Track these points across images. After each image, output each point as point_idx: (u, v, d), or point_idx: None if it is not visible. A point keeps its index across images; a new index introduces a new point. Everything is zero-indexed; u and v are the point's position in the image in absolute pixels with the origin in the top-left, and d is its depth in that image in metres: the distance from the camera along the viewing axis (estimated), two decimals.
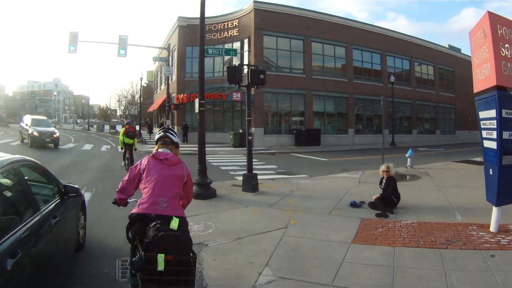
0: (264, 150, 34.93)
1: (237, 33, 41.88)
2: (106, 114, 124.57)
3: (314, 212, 11.25)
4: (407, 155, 21.90)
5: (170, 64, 38.73)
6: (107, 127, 77.90)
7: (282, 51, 40.69)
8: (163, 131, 5.64)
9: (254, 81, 14.05)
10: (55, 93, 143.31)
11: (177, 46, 44.64)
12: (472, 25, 9.69)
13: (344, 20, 45.12)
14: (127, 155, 19.63)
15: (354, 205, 11.89)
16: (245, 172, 14.72)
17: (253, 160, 26.65)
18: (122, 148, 19.90)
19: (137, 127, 53.10)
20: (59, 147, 31.65)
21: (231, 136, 37.70)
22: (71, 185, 6.99)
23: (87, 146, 35.71)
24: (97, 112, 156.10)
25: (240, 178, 15.86)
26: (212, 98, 39.08)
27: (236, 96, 38.10)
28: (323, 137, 40.93)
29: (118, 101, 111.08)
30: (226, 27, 42.99)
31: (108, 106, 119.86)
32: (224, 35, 42.69)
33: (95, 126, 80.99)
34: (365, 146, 39.86)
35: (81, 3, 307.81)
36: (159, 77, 64.39)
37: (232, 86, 38.58)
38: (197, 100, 12.76)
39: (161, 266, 4.29)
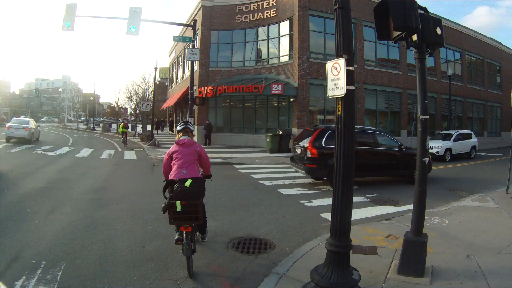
0: None
1: (275, 14, 34.50)
2: (115, 112, 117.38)
3: None
4: None
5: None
6: (115, 126, 69.52)
7: (331, 35, 32.58)
8: (184, 124, 8.00)
9: (429, 36, 7.02)
10: (60, 89, 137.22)
11: (201, 30, 37.12)
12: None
13: None
14: (123, 136, 35.38)
15: None
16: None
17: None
18: (121, 134, 36.33)
19: (149, 127, 46.60)
20: (48, 153, 25.52)
21: (268, 139, 30.20)
22: None
23: (85, 152, 28.11)
24: (108, 110, 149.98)
25: (326, 215, 11.22)
26: (246, 91, 32.02)
27: (277, 88, 30.77)
28: None
29: (129, 97, 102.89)
30: (260, 7, 35.65)
31: (117, 103, 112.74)
32: (259, 16, 35.43)
33: (101, 125, 73.43)
34: None
35: None
36: (174, 71, 57.63)
37: (269, 77, 32.23)
38: (330, 66, 5.71)
39: (179, 208, 6.66)
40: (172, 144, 7.99)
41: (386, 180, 18.52)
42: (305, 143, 16.34)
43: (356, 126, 14.99)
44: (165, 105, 61.11)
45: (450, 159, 28.93)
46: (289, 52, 33.00)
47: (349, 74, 5.83)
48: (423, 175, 7.23)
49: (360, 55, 34.38)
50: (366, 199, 14.21)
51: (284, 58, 33.74)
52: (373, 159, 17.21)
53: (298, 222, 10.61)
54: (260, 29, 35.03)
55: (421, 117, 7.05)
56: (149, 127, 46.80)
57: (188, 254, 6.75)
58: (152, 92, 51.56)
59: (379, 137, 17.89)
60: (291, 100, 32.47)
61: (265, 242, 8.66)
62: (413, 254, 7.00)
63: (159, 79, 74.33)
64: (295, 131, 31.11)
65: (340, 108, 5.94)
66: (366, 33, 34.74)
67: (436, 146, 28.72)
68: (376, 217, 11.53)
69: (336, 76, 5.91)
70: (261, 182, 16.94)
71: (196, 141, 8.15)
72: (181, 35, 40.57)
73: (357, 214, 11.56)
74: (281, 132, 30.51)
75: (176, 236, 7.16)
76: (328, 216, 11.12)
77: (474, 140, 32.45)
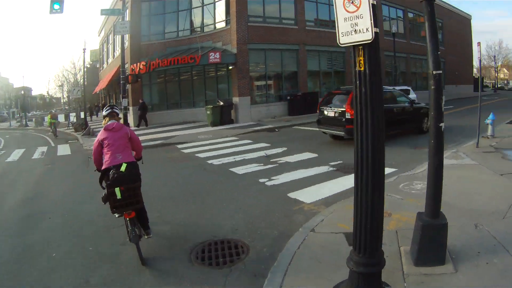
0: (255, 125, 26.94)
1: None
2: (46, 103, 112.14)
3: None
4: (488, 121, 16.12)
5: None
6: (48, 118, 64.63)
7: None
8: (110, 108, 7.49)
9: None
10: None
11: (130, 2, 33.82)
12: None
13: None
14: (53, 127, 34.70)
15: None
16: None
17: (256, 143, 19.37)
18: (50, 125, 35.74)
19: (82, 114, 42.81)
20: None
21: (208, 112, 28.23)
22: None
23: (16, 154, 23.95)
24: (41, 103, 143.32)
25: (295, 195, 9.92)
26: (181, 62, 29.50)
27: (214, 56, 28.33)
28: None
29: (59, 86, 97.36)
30: None
31: (48, 93, 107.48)
32: None
33: (34, 119, 66.92)
34: None
35: None
36: (105, 50, 53.49)
37: (206, 46, 29.99)
38: None
39: (118, 195, 6.39)
40: None
41: (345, 144, 17.36)
42: (342, 106, 16.87)
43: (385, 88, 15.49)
44: (97, 89, 55.94)
45: None
46: (226, 17, 30.60)
47: (374, 9, 4.07)
48: (439, 144, 5.57)
49: (301, 16, 32.76)
50: (331, 168, 12.86)
51: (221, 24, 31.35)
52: (396, 116, 18.13)
53: (266, 208, 8.97)
54: None
55: (434, 72, 5.54)
56: (82, 114, 43.25)
57: (136, 240, 6.56)
58: (83, 77, 48.62)
59: (396, 95, 19.18)
60: (230, 67, 30.29)
61: (235, 245, 6.97)
62: (433, 240, 5.72)
63: (90, 62, 70.55)
64: (236, 100, 29.37)
65: (362, 62, 4.03)
66: None
67: None
68: (351, 190, 10.02)
69: (354, 13, 4.10)
70: (209, 162, 15.21)
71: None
72: (114, 4, 37.63)
73: (329, 187, 10.42)
74: (221, 103, 28.58)
75: (117, 216, 7.11)
76: (297, 195, 9.92)
77: (412, 96, 29.87)
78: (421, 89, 45.93)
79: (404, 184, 9.99)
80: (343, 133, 16.60)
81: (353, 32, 4.05)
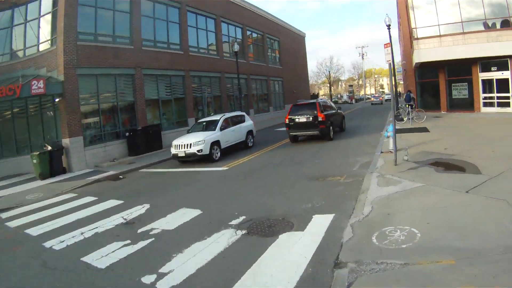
0: (93, 172, 21.88)
1: None
2: None
3: None
4: (388, 133, 16.39)
5: None
6: None
7: (102, 10, 26.04)
8: None
9: None
10: None
11: None
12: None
13: None
14: None
15: None
16: None
17: (103, 201, 14.59)
18: None
19: None
20: None
21: (34, 160, 21.57)
22: None
23: None
24: None
25: None
26: None
27: (38, 86, 21.69)
28: (162, 135, 28.85)
29: None
30: None
31: None
32: None
33: None
34: None
35: None
36: None
37: (28, 74, 23.62)
38: None
39: None
40: None
41: (222, 184, 14.84)
42: (313, 112, 22.71)
43: (324, 99, 29.05)
44: None
45: (220, 156, 21.47)
46: (52, 35, 24.29)
47: None
48: None
49: (137, 34, 28.27)
50: (239, 231, 9.02)
51: (46, 45, 24.64)
52: (336, 119, 25.64)
53: None
54: (17, 9, 25.51)
55: None
56: None
57: None
58: None
59: (332, 104, 27.41)
60: (57, 100, 23.40)
61: None
62: None
63: None
64: (67, 142, 22.93)
65: None
66: (144, 8, 29.26)
67: (196, 142, 20.50)
68: (311, 274, 6.40)
69: None
70: (47, 245, 9.83)
71: None
72: None
73: (273, 274, 6.51)
74: (50, 148, 22.21)
75: None
76: None
77: (248, 123, 25.48)
78: (263, 111, 47.36)
79: (377, 236, 7.28)
80: (317, 132, 22.61)
81: None
